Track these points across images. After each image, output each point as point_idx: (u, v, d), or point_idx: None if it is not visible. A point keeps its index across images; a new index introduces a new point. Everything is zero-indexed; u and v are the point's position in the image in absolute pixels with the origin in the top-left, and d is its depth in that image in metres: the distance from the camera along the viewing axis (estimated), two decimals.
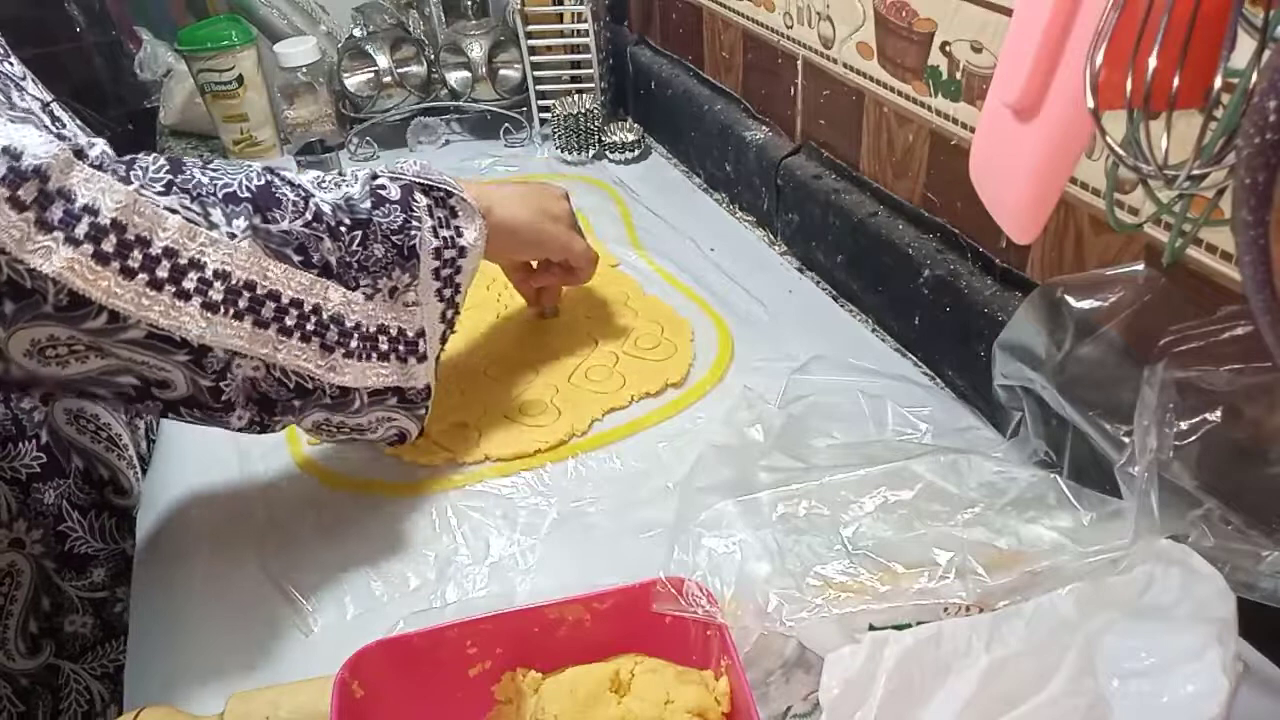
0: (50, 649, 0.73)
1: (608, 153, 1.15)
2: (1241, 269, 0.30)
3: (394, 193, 0.58)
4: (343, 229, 0.54)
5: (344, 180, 0.58)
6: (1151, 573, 0.44)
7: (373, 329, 0.57)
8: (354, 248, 0.55)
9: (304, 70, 1.15)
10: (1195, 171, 0.35)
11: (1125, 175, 0.51)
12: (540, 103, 1.18)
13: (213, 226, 0.49)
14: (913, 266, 0.74)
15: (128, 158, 0.49)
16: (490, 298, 0.88)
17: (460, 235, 0.62)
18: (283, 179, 0.54)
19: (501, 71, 1.19)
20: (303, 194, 0.53)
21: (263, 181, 0.52)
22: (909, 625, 0.45)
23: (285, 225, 0.52)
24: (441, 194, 0.61)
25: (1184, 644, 0.42)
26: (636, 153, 1.15)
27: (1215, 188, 0.37)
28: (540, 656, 0.49)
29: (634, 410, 0.74)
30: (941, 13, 0.66)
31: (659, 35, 1.18)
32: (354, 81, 1.19)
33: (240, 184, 0.51)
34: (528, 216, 0.70)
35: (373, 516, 0.65)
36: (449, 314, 0.64)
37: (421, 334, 0.60)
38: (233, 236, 0.49)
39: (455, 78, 1.20)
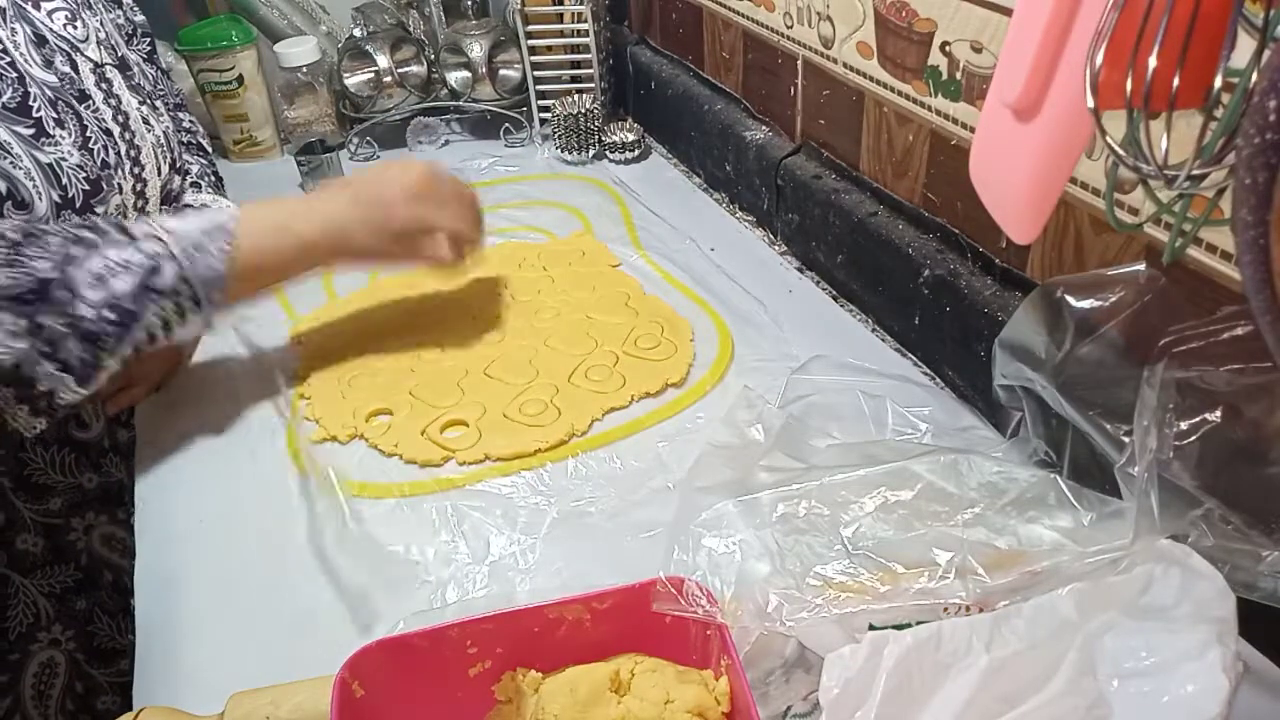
0: (2, 560, 0.77)
1: (608, 153, 1.15)
2: (1241, 269, 0.30)
3: (165, 279, 0.63)
4: (104, 329, 0.61)
5: (130, 266, 0.62)
6: (1151, 573, 0.44)
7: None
8: (107, 343, 0.62)
9: (304, 70, 1.15)
10: (1195, 171, 0.35)
11: (1125, 175, 0.51)
12: (540, 103, 1.18)
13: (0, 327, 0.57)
14: (913, 266, 0.74)
15: None
16: (491, 298, 0.88)
17: (167, 336, 0.66)
18: (62, 280, 0.60)
19: (501, 71, 1.19)
20: (68, 298, 0.60)
21: (48, 278, 0.59)
22: (909, 625, 0.44)
23: (48, 322, 0.60)
24: (190, 304, 0.65)
25: (1184, 644, 0.42)
26: (636, 153, 1.15)
27: (1215, 188, 0.37)
28: (540, 656, 0.49)
29: (634, 410, 0.74)
30: (941, 13, 0.66)
31: (659, 35, 1.18)
32: (354, 81, 1.19)
33: (27, 283, 0.59)
34: (370, 243, 0.73)
35: (373, 516, 0.65)
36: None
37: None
38: (14, 335, 0.58)
39: (455, 78, 1.20)
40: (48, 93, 0.66)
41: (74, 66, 0.69)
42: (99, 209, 0.68)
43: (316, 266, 0.74)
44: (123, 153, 0.71)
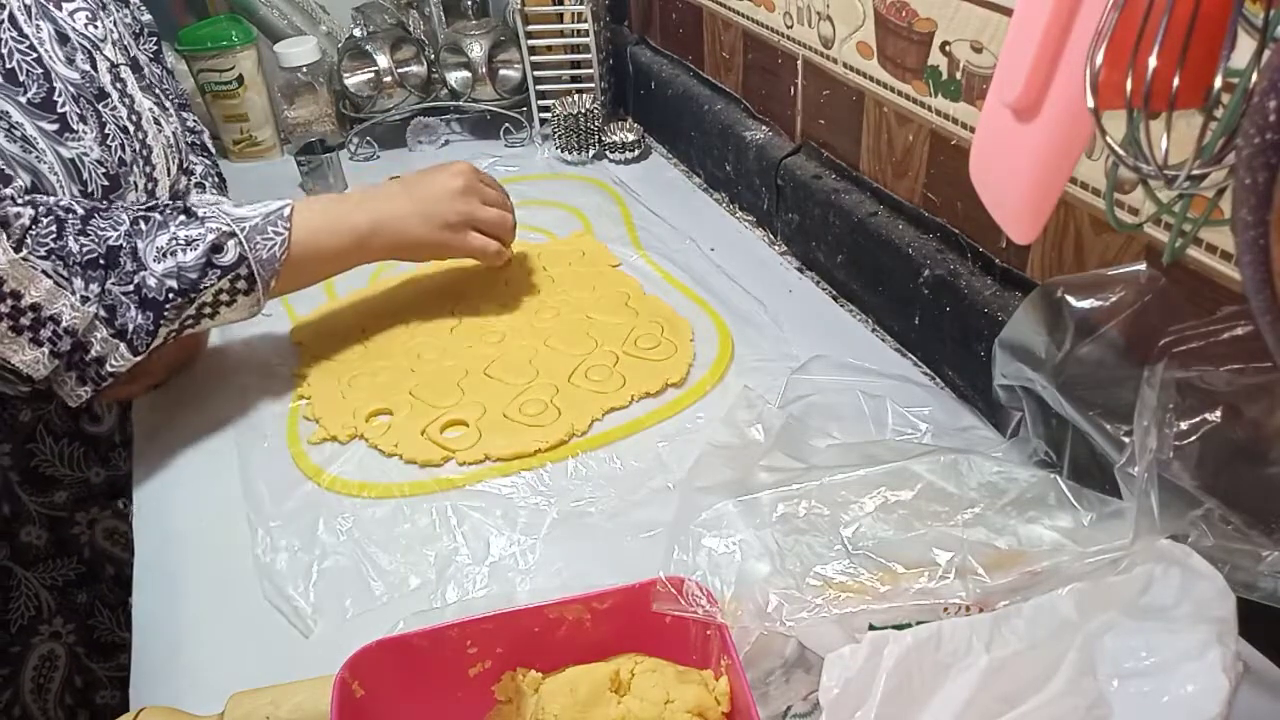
0: (5, 552, 0.79)
1: (608, 153, 1.15)
2: (1241, 269, 0.30)
3: (228, 257, 0.67)
4: (168, 296, 0.65)
5: (195, 241, 0.66)
6: (1151, 573, 0.44)
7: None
8: (166, 310, 0.66)
9: (304, 70, 1.15)
10: (1195, 171, 0.35)
11: (1125, 175, 0.51)
12: (540, 103, 1.18)
13: (73, 292, 0.62)
14: (913, 266, 0.74)
15: (28, 220, 0.60)
16: (491, 298, 0.88)
17: (212, 317, 0.70)
18: (132, 248, 0.65)
19: (501, 71, 1.19)
20: (134, 268, 0.65)
21: (116, 245, 0.64)
22: (909, 625, 0.44)
23: (110, 286, 0.64)
24: (245, 286, 0.69)
25: (1184, 644, 0.42)
26: (636, 153, 1.15)
27: (1215, 188, 0.37)
28: (540, 656, 0.49)
29: (634, 410, 0.74)
30: (941, 13, 0.66)
31: (659, 35, 1.18)
32: (354, 81, 1.19)
33: (99, 250, 0.63)
34: (424, 233, 0.78)
35: (373, 517, 0.65)
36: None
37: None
38: (85, 300, 0.62)
39: (455, 78, 1.20)
40: (70, 89, 0.67)
41: (93, 65, 0.70)
42: (118, 204, 0.69)
43: (368, 258, 0.78)
44: (136, 151, 0.72)
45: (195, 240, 0.66)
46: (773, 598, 0.46)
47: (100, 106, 0.69)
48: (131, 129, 0.71)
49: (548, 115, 1.16)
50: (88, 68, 0.69)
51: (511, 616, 0.48)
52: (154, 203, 0.69)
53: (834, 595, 0.46)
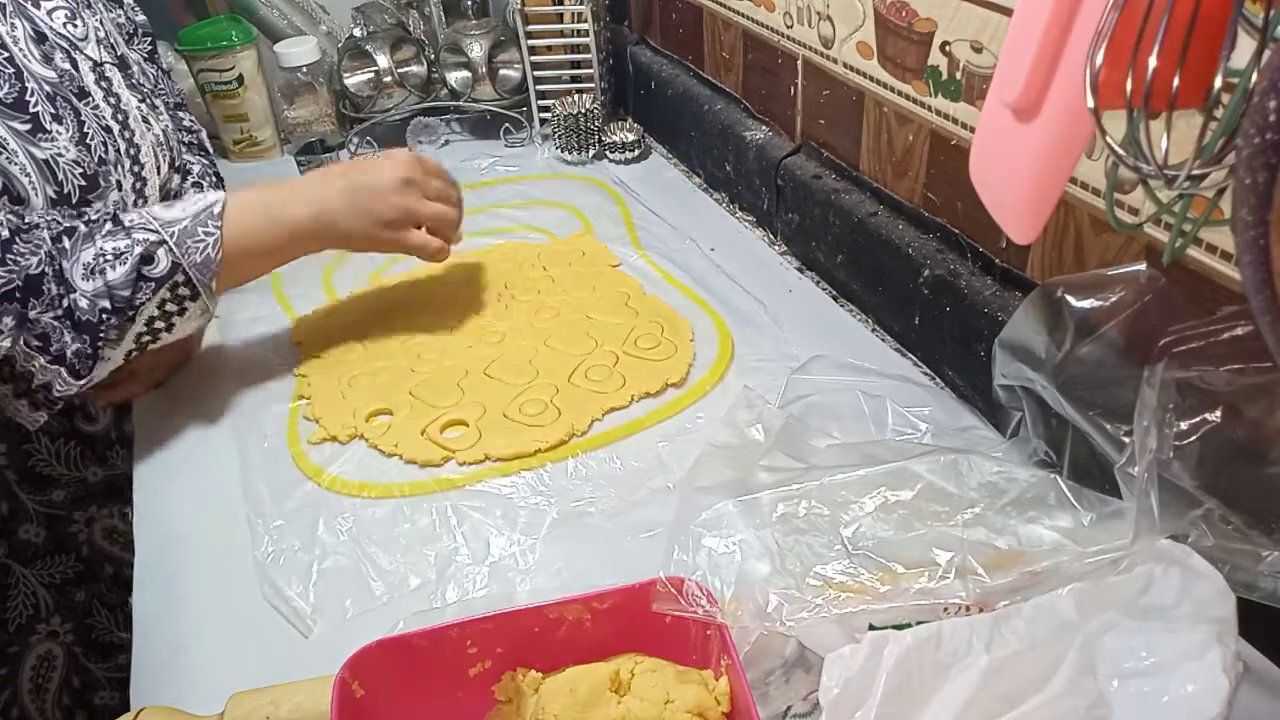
0: (3, 550, 0.79)
1: (608, 153, 1.15)
2: (1241, 269, 0.30)
3: (160, 268, 0.65)
4: (101, 317, 0.63)
5: (124, 254, 0.64)
6: (1151, 573, 0.44)
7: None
8: (100, 329, 0.64)
9: (304, 70, 1.15)
10: (1195, 171, 0.35)
11: (1125, 175, 0.51)
12: (540, 103, 1.18)
13: None
14: (913, 266, 0.74)
15: None
16: (491, 298, 0.88)
17: (169, 330, 0.68)
18: (56, 271, 0.62)
19: (501, 71, 1.19)
20: (62, 291, 0.62)
21: (37, 272, 0.61)
22: (909, 625, 0.44)
23: (37, 315, 0.61)
24: (188, 293, 0.67)
25: (1184, 644, 0.42)
26: (636, 153, 1.15)
27: (1215, 188, 0.37)
28: (540, 656, 0.49)
29: (634, 410, 0.74)
30: (941, 13, 0.66)
31: (659, 35, 1.18)
32: (354, 81, 1.19)
33: (16, 280, 0.60)
34: (360, 227, 0.75)
35: (373, 517, 0.65)
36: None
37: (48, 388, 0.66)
38: (2, 335, 0.60)
39: (455, 78, 1.20)
40: (45, 88, 0.66)
41: (74, 64, 0.70)
42: (96, 204, 0.68)
43: (305, 250, 0.75)
44: (122, 150, 0.71)
45: (123, 253, 0.64)
46: (773, 598, 0.46)
47: (81, 105, 0.69)
48: (116, 128, 0.71)
49: (548, 115, 1.16)
50: (67, 66, 0.69)
51: (511, 616, 0.48)
52: (82, 212, 0.67)
53: (834, 595, 0.46)
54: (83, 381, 0.64)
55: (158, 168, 0.76)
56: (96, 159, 0.68)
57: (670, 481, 0.66)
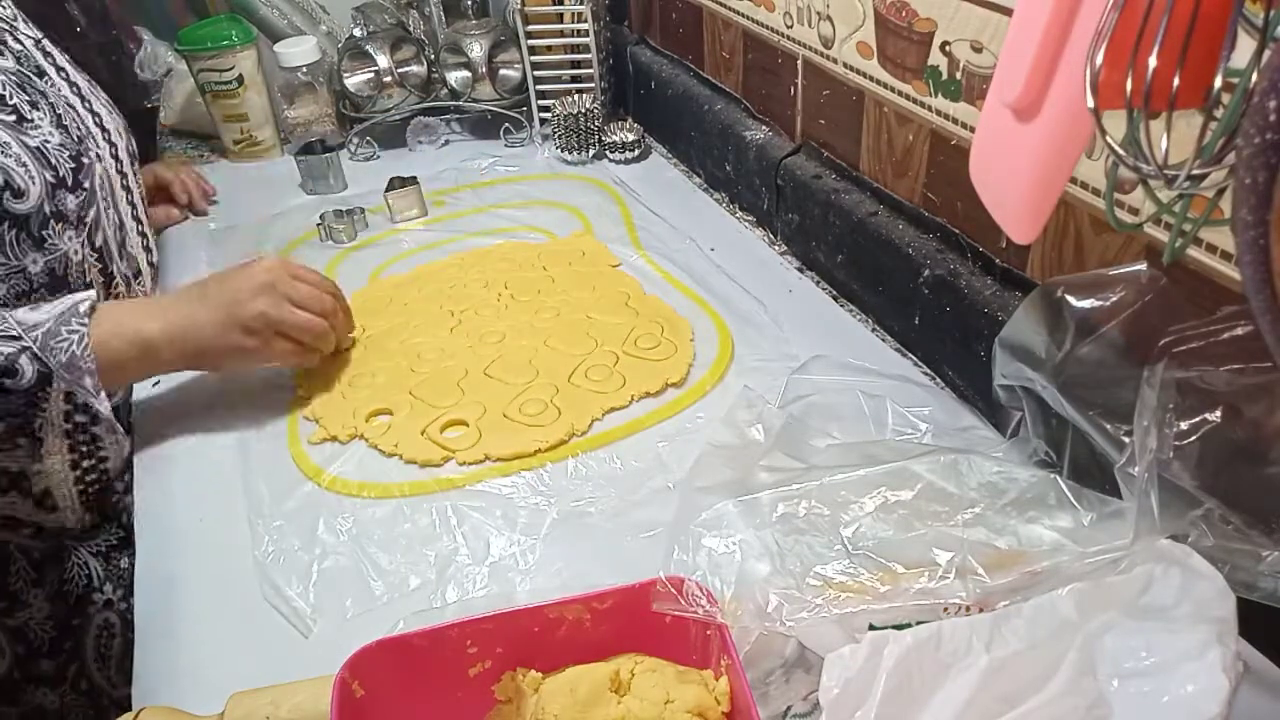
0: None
1: (608, 153, 1.15)
2: (1241, 269, 0.30)
3: (26, 378, 0.62)
4: None
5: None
6: (1151, 573, 0.44)
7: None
8: None
9: (304, 70, 1.15)
10: (1195, 171, 0.35)
11: (1125, 175, 0.51)
12: (540, 103, 1.18)
13: None
14: (913, 266, 0.74)
15: None
16: (490, 297, 0.88)
17: (101, 462, 0.67)
18: None
19: (501, 71, 1.19)
20: None
21: None
22: (909, 625, 0.44)
23: None
24: (84, 416, 0.65)
25: (1184, 644, 0.42)
26: (636, 153, 1.15)
27: (1215, 188, 0.37)
28: (540, 656, 0.49)
29: (634, 410, 0.74)
30: (941, 13, 0.66)
31: (659, 35, 1.18)
32: (354, 81, 1.19)
33: None
34: (217, 338, 0.70)
35: (373, 516, 0.65)
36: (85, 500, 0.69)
37: (48, 493, 0.66)
38: None
39: (455, 78, 1.20)
40: (12, 79, 0.67)
41: (21, 45, 0.71)
42: (85, 182, 0.69)
43: (162, 369, 0.73)
44: (89, 122, 0.72)
45: None
46: (773, 598, 0.46)
47: (44, 86, 0.69)
48: (78, 102, 0.72)
49: (548, 115, 1.16)
50: (19, 47, 0.70)
51: (511, 616, 0.48)
52: (79, 194, 0.68)
53: (834, 595, 0.46)
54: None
55: (119, 130, 0.77)
56: (75, 137, 0.69)
57: (670, 481, 0.66)
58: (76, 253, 0.72)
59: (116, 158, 0.75)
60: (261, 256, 0.74)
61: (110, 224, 0.77)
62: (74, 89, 0.74)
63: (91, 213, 0.73)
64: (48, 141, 0.66)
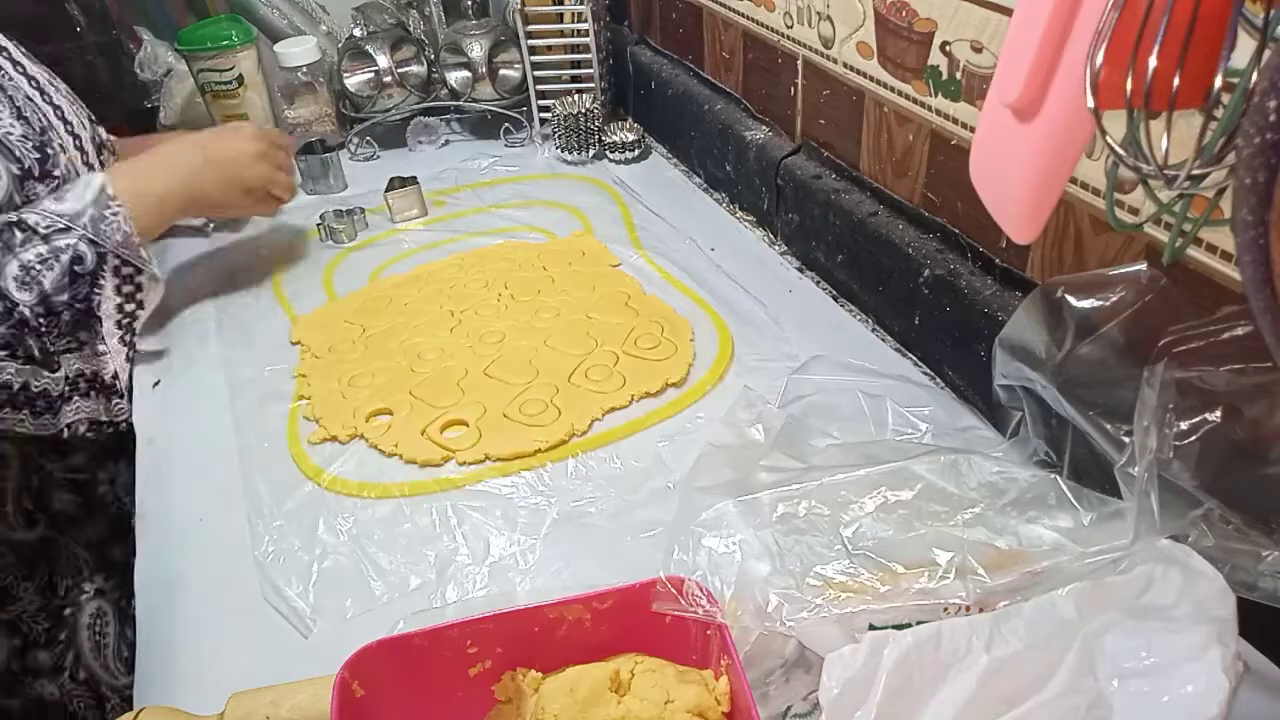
0: (44, 523, 0.82)
1: (608, 153, 1.15)
2: (1241, 269, 0.30)
3: (89, 263, 0.70)
4: (41, 324, 0.68)
5: (49, 260, 0.69)
6: (1151, 573, 0.44)
7: (69, 388, 0.72)
8: (52, 333, 0.69)
9: (304, 70, 1.15)
10: (1195, 171, 0.35)
11: (1125, 175, 0.51)
12: (540, 103, 1.18)
13: None
14: (913, 266, 0.74)
15: None
16: (490, 297, 0.88)
17: (140, 306, 0.75)
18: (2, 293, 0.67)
19: (501, 71, 1.19)
20: (9, 305, 0.67)
21: None
22: (909, 625, 0.44)
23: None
24: (132, 270, 0.73)
25: (1184, 644, 0.42)
26: (636, 153, 1.15)
27: (1215, 188, 0.37)
28: (540, 656, 0.49)
29: (634, 410, 0.74)
30: (941, 13, 0.66)
31: (659, 35, 1.18)
32: (354, 81, 1.19)
33: None
34: (221, 196, 0.83)
35: (373, 516, 0.65)
36: (129, 351, 0.77)
37: (115, 376, 0.74)
38: None
39: (455, 78, 1.20)
40: None
41: None
42: (55, 172, 0.71)
43: (171, 220, 0.81)
44: (50, 114, 0.73)
45: (48, 259, 0.68)
46: (773, 598, 0.46)
47: (1, 81, 0.70)
48: (37, 95, 0.73)
49: (548, 115, 1.16)
50: None
51: (511, 616, 0.48)
52: (50, 184, 0.71)
53: (834, 595, 0.46)
54: (59, 373, 0.68)
55: (82, 122, 0.78)
56: (38, 129, 0.70)
57: (670, 481, 0.66)
58: None
59: (81, 149, 0.77)
60: (240, 126, 0.88)
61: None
62: (32, 83, 0.75)
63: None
64: (9, 134, 0.67)
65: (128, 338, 0.74)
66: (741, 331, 0.82)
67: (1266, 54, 0.31)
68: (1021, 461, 0.57)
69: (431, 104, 1.22)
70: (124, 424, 0.76)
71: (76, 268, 0.69)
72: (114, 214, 0.71)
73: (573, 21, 1.14)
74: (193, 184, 0.80)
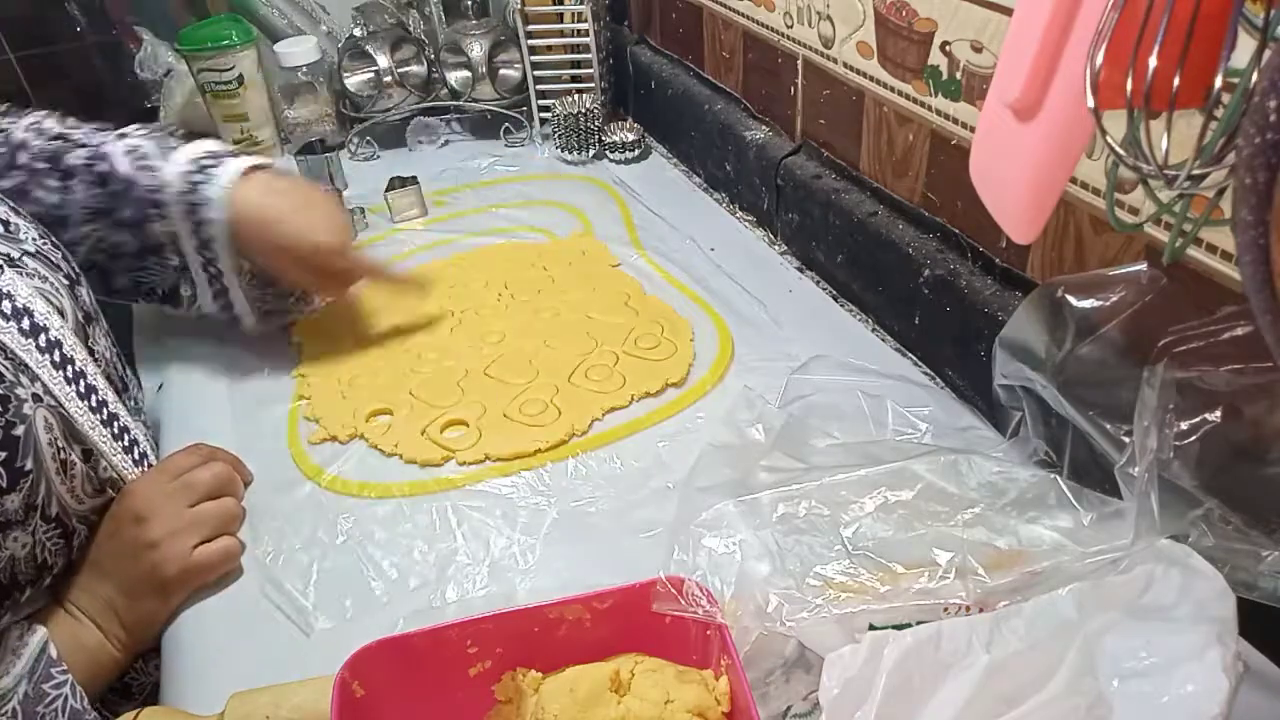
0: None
1: (608, 153, 1.15)
2: (1241, 269, 0.30)
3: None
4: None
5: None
6: (1151, 573, 0.44)
7: None
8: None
9: (304, 70, 1.15)
10: (1195, 171, 0.35)
11: (1125, 175, 0.51)
12: (540, 103, 1.18)
13: None
14: (913, 266, 0.74)
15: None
16: (490, 297, 0.88)
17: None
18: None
19: (501, 71, 1.19)
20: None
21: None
22: (909, 625, 0.44)
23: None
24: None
25: (1184, 644, 0.42)
26: (636, 153, 1.15)
27: (1215, 187, 0.37)
28: (540, 656, 0.49)
29: (634, 410, 0.74)
30: (941, 12, 0.66)
31: (659, 35, 1.18)
32: (354, 81, 1.19)
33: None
34: (159, 611, 0.60)
35: (373, 516, 0.65)
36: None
37: None
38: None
39: (455, 77, 1.20)
40: None
41: None
42: (26, 462, 0.54)
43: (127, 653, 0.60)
44: (15, 347, 0.57)
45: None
46: (773, 598, 0.46)
47: None
48: None
49: (548, 115, 1.16)
50: None
51: (511, 616, 0.48)
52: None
53: (834, 595, 0.46)
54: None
55: (61, 310, 0.63)
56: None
57: (670, 481, 0.66)
58: (25, 546, 0.55)
59: (58, 363, 0.60)
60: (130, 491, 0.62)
61: (59, 477, 0.57)
62: None
63: (41, 489, 0.55)
64: None
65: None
66: (741, 331, 0.82)
67: (1266, 54, 0.31)
68: (1021, 461, 0.57)
69: (431, 104, 1.22)
70: None
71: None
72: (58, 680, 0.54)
73: (573, 21, 1.14)
74: (126, 624, 0.59)
